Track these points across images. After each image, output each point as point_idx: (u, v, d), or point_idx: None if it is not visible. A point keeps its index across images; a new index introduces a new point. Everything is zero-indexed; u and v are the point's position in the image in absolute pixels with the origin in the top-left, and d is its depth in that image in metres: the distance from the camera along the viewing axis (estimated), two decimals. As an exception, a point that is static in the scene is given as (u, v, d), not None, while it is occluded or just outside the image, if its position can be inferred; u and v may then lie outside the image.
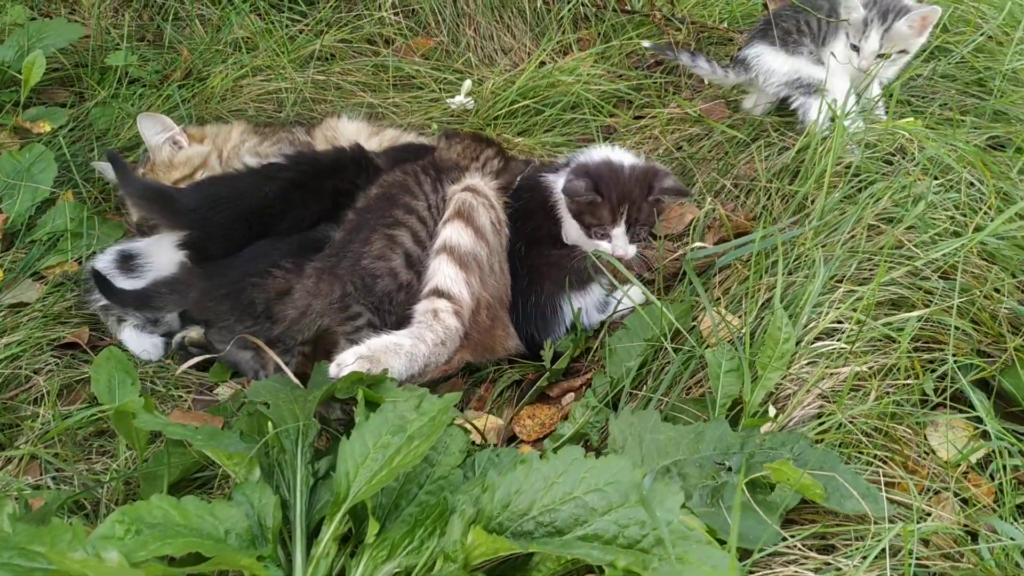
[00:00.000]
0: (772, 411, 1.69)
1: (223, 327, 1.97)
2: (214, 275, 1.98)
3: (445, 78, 2.92)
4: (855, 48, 2.50)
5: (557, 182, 2.14)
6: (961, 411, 1.74)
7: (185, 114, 2.71)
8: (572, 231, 2.13)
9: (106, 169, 2.49)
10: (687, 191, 2.13)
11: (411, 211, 2.05)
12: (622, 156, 2.15)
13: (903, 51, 2.48)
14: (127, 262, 2.20)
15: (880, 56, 2.47)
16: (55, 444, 1.86)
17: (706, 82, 2.87)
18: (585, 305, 2.12)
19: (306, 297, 1.92)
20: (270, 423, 1.50)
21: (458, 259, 1.92)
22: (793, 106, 2.63)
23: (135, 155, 2.65)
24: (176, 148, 2.42)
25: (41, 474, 1.80)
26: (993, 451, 1.64)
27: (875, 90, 2.58)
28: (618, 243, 2.06)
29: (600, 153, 2.16)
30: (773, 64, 2.63)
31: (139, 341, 2.16)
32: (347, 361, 1.71)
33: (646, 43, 2.91)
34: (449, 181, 2.14)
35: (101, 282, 2.06)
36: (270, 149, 2.42)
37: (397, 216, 2.03)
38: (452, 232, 1.95)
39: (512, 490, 1.31)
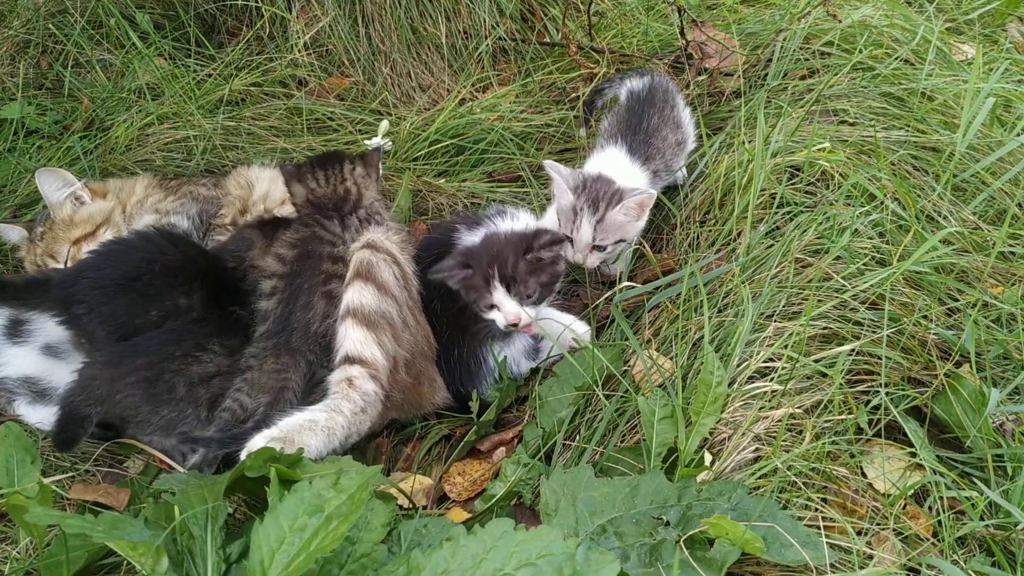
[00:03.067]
0: (708, 458, 1.64)
1: (140, 421, 1.87)
2: (121, 360, 1.86)
3: (362, 119, 2.84)
4: (569, 239, 2.20)
5: (465, 239, 2.10)
6: (896, 442, 1.72)
7: (88, 166, 2.57)
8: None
9: (3, 230, 2.35)
10: (561, 237, 2.07)
11: (336, 259, 1.98)
12: (511, 224, 2.10)
13: (621, 240, 2.22)
14: (16, 327, 2.07)
15: (596, 248, 2.19)
16: (-53, 534, 1.72)
17: None
18: (512, 354, 2.06)
19: (276, 378, 1.84)
20: (177, 509, 1.40)
21: (364, 320, 1.84)
22: None
23: (33, 212, 2.51)
24: (78, 204, 2.30)
25: (-68, 569, 1.66)
26: (930, 483, 1.63)
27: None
28: (506, 308, 1.96)
29: (489, 228, 2.10)
30: None
31: (36, 413, 2.02)
32: (257, 445, 1.62)
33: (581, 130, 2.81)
34: (349, 213, 2.09)
35: None
36: (172, 205, 2.31)
37: (327, 270, 1.96)
38: (354, 294, 1.86)
39: (439, 570, 1.24)
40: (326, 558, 1.33)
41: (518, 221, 2.12)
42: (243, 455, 1.62)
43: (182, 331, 1.92)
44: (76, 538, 1.53)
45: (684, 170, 2.54)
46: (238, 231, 2.19)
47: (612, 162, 2.33)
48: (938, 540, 1.57)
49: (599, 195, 2.17)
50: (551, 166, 2.25)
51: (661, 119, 2.45)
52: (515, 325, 1.96)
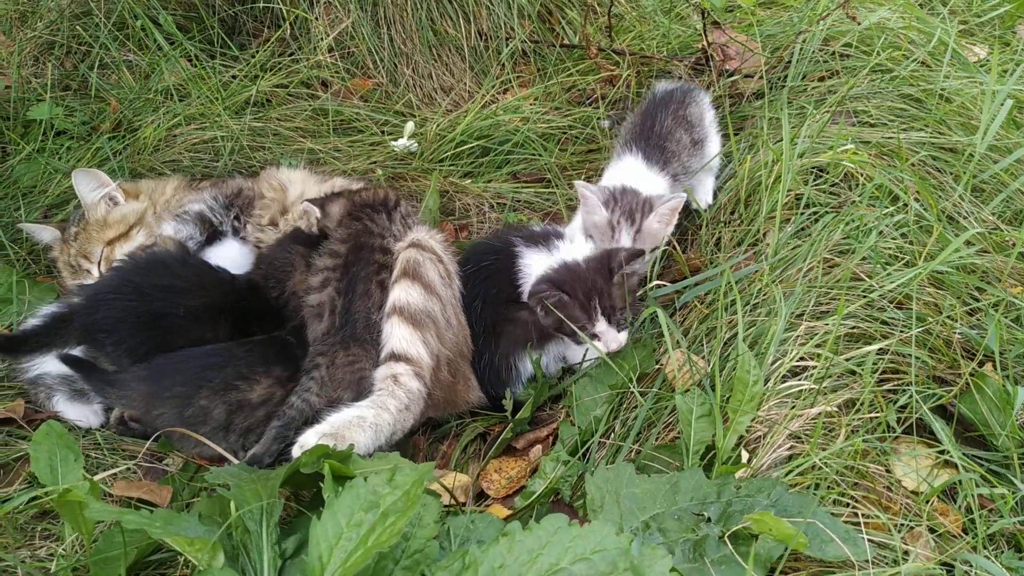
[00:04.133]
0: (745, 456, 1.67)
1: (178, 439, 1.90)
2: (160, 378, 1.89)
3: (386, 120, 2.87)
4: None
5: (526, 253, 2.12)
6: (925, 441, 1.76)
7: (117, 167, 2.60)
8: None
9: (35, 230, 2.37)
10: (641, 251, 2.12)
11: (385, 251, 2.05)
12: (576, 252, 2.13)
13: (655, 248, 2.24)
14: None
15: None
16: (-6, 531, 1.74)
17: None
18: (545, 361, 2.10)
19: (351, 370, 1.88)
20: (232, 504, 1.42)
21: (410, 318, 1.87)
22: None
23: (64, 212, 2.53)
24: (112, 205, 2.33)
25: (-20, 566, 1.68)
26: (959, 480, 1.66)
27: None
28: (607, 338, 2.01)
29: (557, 252, 2.13)
30: None
31: (76, 410, 2.04)
32: (309, 441, 1.65)
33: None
34: (393, 208, 2.17)
35: (80, 365, 1.95)
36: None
37: (378, 260, 2.03)
38: (401, 292, 1.90)
39: (496, 564, 1.27)
40: (381, 554, 1.36)
41: (575, 244, 2.16)
42: (296, 450, 1.66)
43: (226, 356, 1.94)
44: (129, 534, 1.56)
45: (711, 193, 2.53)
46: (281, 243, 2.22)
47: (630, 172, 2.35)
48: (970, 536, 1.60)
49: (632, 207, 2.20)
50: (581, 186, 2.26)
51: (675, 120, 2.46)
52: (614, 352, 2.01)
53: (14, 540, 1.73)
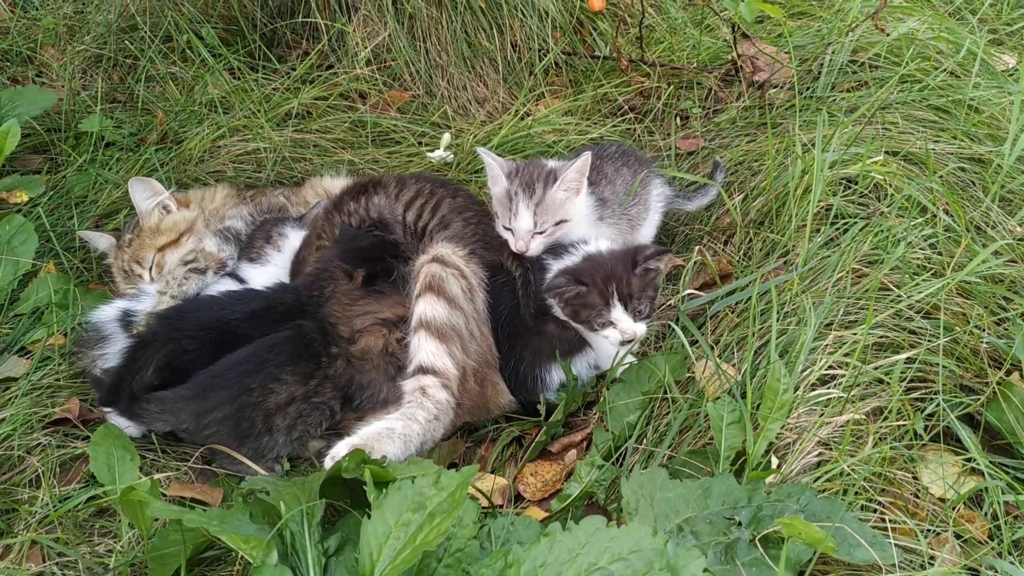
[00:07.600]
0: (775, 462, 1.72)
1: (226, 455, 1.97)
2: (205, 394, 1.96)
3: (423, 131, 2.94)
4: (508, 230, 2.16)
5: (553, 265, 2.17)
6: (952, 449, 1.79)
7: (164, 177, 2.68)
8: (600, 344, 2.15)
9: (93, 238, 2.47)
10: (667, 249, 2.16)
11: None
12: (601, 246, 2.17)
13: (562, 221, 2.16)
14: (129, 319, 2.20)
15: (537, 234, 2.14)
16: (55, 528, 1.82)
17: None
18: (577, 369, 2.15)
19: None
20: (283, 505, 1.50)
21: (436, 332, 1.95)
22: None
23: (114, 222, 2.63)
24: (165, 213, 2.42)
25: (44, 561, 1.76)
26: (985, 488, 1.70)
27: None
28: (623, 325, 2.04)
29: (581, 252, 2.16)
30: None
31: (122, 419, 2.11)
32: (340, 452, 1.73)
33: None
34: None
35: (108, 388, 2.03)
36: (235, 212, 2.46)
37: None
38: (426, 307, 1.98)
39: (537, 563, 1.33)
40: (426, 552, 1.43)
41: (600, 243, 2.19)
42: (328, 462, 1.74)
43: (257, 361, 2.00)
44: (186, 532, 1.64)
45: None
46: (322, 262, 2.25)
47: None
48: (996, 543, 1.64)
49: (533, 177, 2.13)
50: (484, 153, 2.23)
51: (623, 158, 2.42)
52: (630, 341, 2.05)
53: (74, 536, 1.82)
